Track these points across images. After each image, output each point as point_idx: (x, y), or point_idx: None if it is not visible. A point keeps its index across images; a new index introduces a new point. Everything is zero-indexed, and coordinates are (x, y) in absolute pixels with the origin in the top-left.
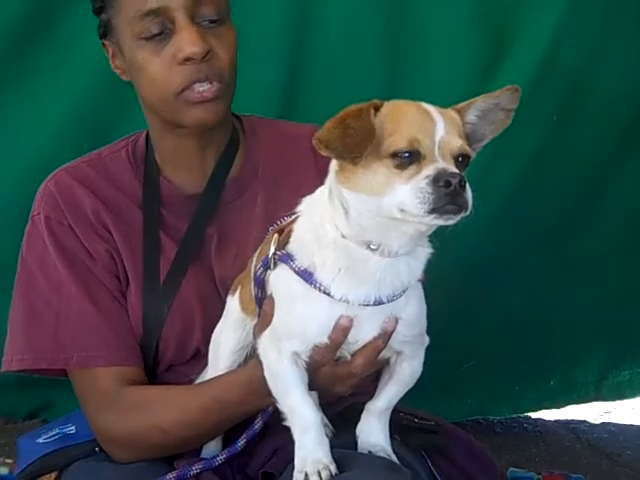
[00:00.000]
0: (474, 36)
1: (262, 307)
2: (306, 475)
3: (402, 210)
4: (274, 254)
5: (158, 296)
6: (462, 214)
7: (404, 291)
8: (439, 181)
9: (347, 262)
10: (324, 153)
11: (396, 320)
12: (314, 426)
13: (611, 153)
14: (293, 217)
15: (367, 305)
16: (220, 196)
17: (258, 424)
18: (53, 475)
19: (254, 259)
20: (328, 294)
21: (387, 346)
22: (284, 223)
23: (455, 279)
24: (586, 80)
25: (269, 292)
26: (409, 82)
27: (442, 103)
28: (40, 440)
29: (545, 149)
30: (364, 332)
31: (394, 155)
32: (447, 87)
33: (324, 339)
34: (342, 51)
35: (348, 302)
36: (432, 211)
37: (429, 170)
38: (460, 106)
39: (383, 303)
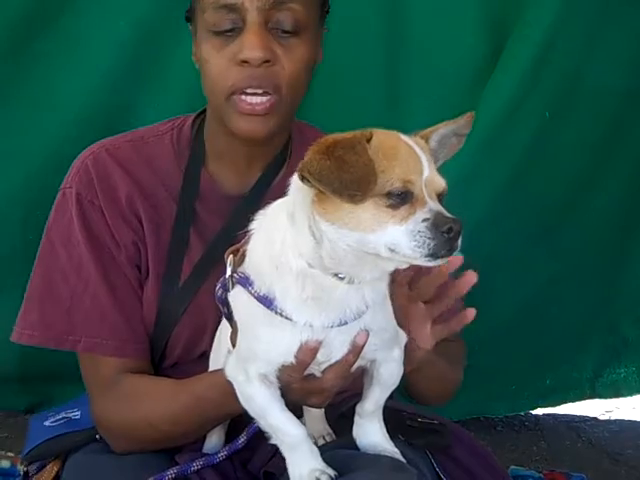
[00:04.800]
0: (470, 35)
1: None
2: None
3: (392, 250)
4: (231, 276)
5: (175, 298)
6: (451, 254)
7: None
8: (441, 227)
9: (314, 292)
10: (315, 186)
11: (367, 334)
12: (301, 440)
13: (603, 148)
14: (248, 236)
15: (331, 327)
16: (260, 202)
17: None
18: (55, 468)
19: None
20: (290, 319)
21: (359, 358)
22: (239, 243)
23: None
24: (578, 78)
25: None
26: (405, 81)
27: (439, 101)
28: (47, 423)
29: (538, 145)
30: (334, 351)
31: (388, 194)
32: (443, 84)
33: (290, 359)
34: (345, 52)
35: (312, 326)
36: (428, 255)
37: (424, 212)
38: (425, 133)
39: (347, 323)
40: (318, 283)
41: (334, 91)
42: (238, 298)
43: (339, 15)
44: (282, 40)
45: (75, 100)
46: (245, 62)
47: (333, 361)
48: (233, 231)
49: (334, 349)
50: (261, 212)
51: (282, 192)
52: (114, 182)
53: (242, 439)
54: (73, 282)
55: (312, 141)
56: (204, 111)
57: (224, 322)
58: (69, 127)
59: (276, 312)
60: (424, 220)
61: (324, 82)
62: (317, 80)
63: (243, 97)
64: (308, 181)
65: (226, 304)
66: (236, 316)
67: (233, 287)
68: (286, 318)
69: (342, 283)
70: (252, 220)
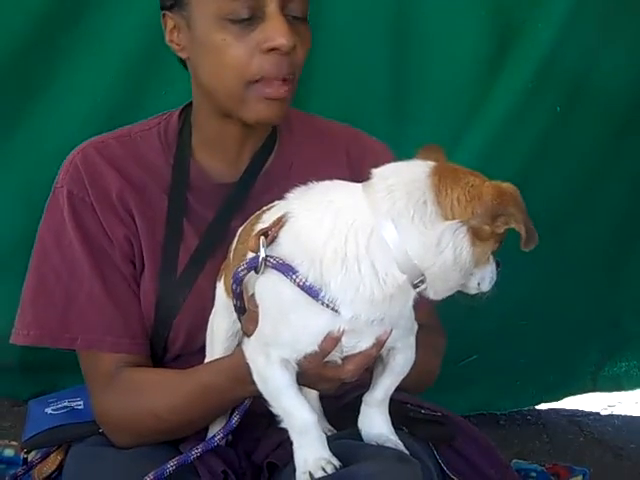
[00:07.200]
0: (479, 29)
1: (243, 302)
2: (310, 474)
3: (479, 284)
4: (265, 259)
5: (173, 288)
6: None
7: None
8: (499, 267)
9: (391, 294)
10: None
11: (391, 331)
12: (311, 426)
13: (613, 143)
14: (278, 218)
15: (374, 320)
16: (251, 188)
17: (247, 400)
18: (59, 457)
19: (231, 252)
20: (336, 311)
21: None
22: (268, 225)
23: None
24: (589, 72)
25: (250, 292)
26: (413, 77)
27: (448, 97)
28: (49, 410)
29: (548, 139)
30: (363, 340)
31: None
32: (452, 81)
33: (315, 348)
34: (347, 46)
35: (357, 319)
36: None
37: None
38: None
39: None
40: (399, 288)
41: (339, 89)
42: (270, 283)
43: (344, 14)
44: (294, 26)
45: (92, 97)
46: (274, 50)
47: (357, 351)
48: (226, 219)
49: (363, 339)
50: (292, 196)
51: (273, 178)
52: (104, 179)
53: (235, 418)
54: (67, 280)
55: (295, 125)
56: (191, 104)
57: (214, 312)
58: (88, 122)
59: (322, 302)
60: (496, 261)
61: (328, 80)
62: (323, 78)
63: (268, 83)
64: (507, 227)
65: (239, 283)
66: (264, 300)
67: (264, 270)
68: (332, 309)
69: (413, 290)
70: (273, 203)
